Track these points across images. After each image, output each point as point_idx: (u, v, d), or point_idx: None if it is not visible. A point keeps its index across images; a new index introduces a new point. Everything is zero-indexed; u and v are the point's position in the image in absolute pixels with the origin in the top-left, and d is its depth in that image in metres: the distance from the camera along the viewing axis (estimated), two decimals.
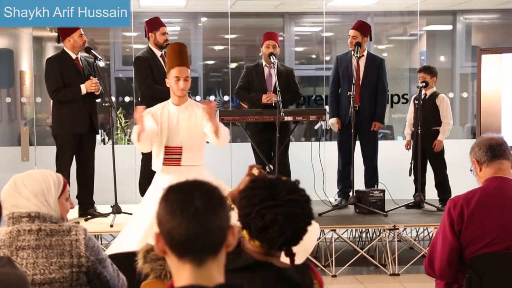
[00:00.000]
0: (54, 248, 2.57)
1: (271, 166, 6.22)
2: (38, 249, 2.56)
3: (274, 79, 6.28)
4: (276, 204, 2.00)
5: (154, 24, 6.35)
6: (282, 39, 9.28)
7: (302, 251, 3.66)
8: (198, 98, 8.63)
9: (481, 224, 3.05)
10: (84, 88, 5.99)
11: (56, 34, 6.21)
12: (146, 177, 6.35)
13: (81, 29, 6.08)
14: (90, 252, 2.60)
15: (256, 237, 2.03)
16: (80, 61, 6.13)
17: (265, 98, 6.44)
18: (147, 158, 6.31)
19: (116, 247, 4.58)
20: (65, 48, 6.11)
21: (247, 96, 6.64)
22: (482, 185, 3.18)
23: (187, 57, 4.75)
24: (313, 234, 3.78)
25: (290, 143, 6.72)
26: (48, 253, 2.56)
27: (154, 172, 6.32)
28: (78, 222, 2.81)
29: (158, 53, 6.35)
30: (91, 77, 6.07)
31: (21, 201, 2.59)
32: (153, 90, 6.29)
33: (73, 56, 6.09)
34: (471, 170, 3.30)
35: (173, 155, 4.73)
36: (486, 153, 3.18)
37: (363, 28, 6.56)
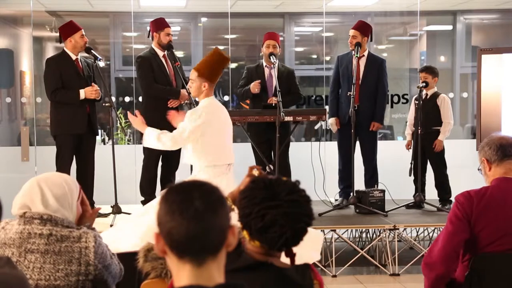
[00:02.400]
0: (63, 254, 2.54)
1: (271, 166, 6.22)
2: (47, 254, 2.54)
3: (275, 79, 6.28)
4: (276, 205, 2.01)
5: (159, 24, 6.36)
6: (282, 39, 9.26)
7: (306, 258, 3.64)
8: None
9: (489, 224, 3.03)
10: (83, 94, 5.99)
11: (58, 34, 6.21)
12: (147, 177, 6.36)
13: (82, 30, 6.08)
14: (99, 260, 2.57)
15: (256, 237, 2.03)
16: (80, 62, 6.13)
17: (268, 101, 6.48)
18: (148, 158, 6.32)
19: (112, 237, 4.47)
20: (65, 49, 6.10)
21: (240, 93, 6.71)
22: (493, 184, 3.13)
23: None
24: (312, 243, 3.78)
25: (290, 143, 6.72)
26: (56, 259, 2.54)
27: (155, 173, 6.35)
28: (93, 228, 2.79)
29: (160, 53, 6.35)
30: (92, 83, 6.06)
31: (39, 205, 2.58)
32: (152, 89, 6.30)
33: (73, 57, 6.08)
34: (479, 169, 3.27)
35: None
36: (496, 153, 3.15)
37: (363, 28, 6.56)
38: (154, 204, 4.75)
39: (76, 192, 2.68)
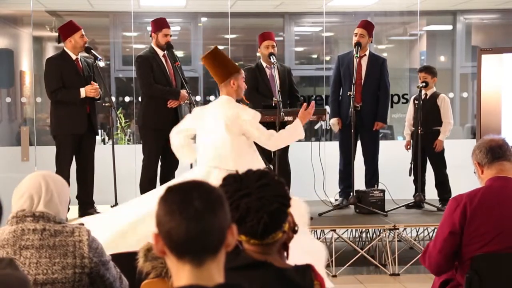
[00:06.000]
0: (58, 248, 2.57)
1: (271, 166, 6.21)
2: (42, 249, 2.55)
3: (277, 79, 6.27)
4: (247, 193, 2.04)
5: (158, 25, 6.35)
6: (282, 39, 9.27)
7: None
8: (198, 98, 8.63)
9: (483, 223, 3.05)
10: (83, 92, 5.99)
11: (57, 34, 6.21)
12: (147, 177, 6.35)
13: (82, 30, 6.08)
14: (93, 253, 2.60)
15: (239, 231, 2.04)
16: (80, 62, 6.13)
17: None
18: (148, 158, 6.32)
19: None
20: (65, 49, 6.10)
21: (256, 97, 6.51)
22: (486, 184, 3.19)
23: None
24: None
25: None
26: (51, 253, 2.56)
27: (155, 172, 6.34)
28: (82, 224, 2.81)
29: (160, 53, 6.35)
30: (92, 82, 6.07)
31: (41, 205, 2.60)
32: (151, 89, 6.29)
33: (73, 57, 6.08)
34: (474, 173, 3.32)
35: None
36: (486, 155, 3.19)
37: (369, 27, 6.57)
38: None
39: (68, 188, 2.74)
